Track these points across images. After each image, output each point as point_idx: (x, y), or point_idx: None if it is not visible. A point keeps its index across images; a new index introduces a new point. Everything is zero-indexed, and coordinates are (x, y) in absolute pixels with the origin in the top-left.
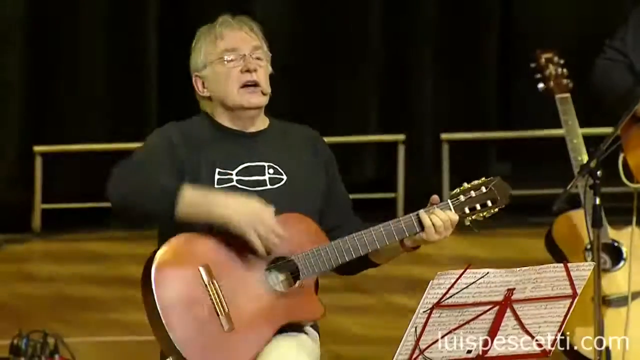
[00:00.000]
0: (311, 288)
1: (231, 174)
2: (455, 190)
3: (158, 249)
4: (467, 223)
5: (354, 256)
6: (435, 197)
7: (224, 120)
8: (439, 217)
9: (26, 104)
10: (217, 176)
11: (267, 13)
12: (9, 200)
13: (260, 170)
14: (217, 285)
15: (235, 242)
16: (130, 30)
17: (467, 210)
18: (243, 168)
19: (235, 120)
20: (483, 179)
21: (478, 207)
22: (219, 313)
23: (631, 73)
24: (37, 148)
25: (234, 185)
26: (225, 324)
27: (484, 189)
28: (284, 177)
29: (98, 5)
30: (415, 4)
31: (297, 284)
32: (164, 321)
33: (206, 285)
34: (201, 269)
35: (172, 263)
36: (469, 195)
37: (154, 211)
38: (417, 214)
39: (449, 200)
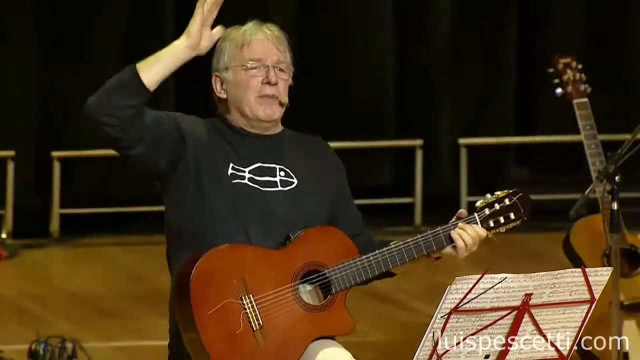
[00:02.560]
0: (342, 302)
1: (244, 171)
2: (480, 202)
3: (194, 257)
4: (490, 236)
5: (383, 270)
6: (463, 212)
7: (239, 122)
8: (470, 234)
9: (44, 109)
10: (230, 170)
11: (283, 16)
12: (27, 205)
13: (272, 172)
14: (252, 299)
15: (270, 256)
16: (148, 34)
17: (491, 224)
18: (256, 167)
19: (249, 125)
20: (506, 190)
21: (502, 220)
22: (254, 327)
23: None
24: (55, 153)
25: (246, 183)
26: (260, 339)
27: (507, 202)
28: (295, 180)
29: (116, 11)
30: (432, 7)
31: (328, 298)
32: (200, 334)
33: (242, 299)
34: (237, 282)
35: (210, 275)
36: (493, 209)
37: (117, 86)
38: (447, 232)
39: (475, 215)
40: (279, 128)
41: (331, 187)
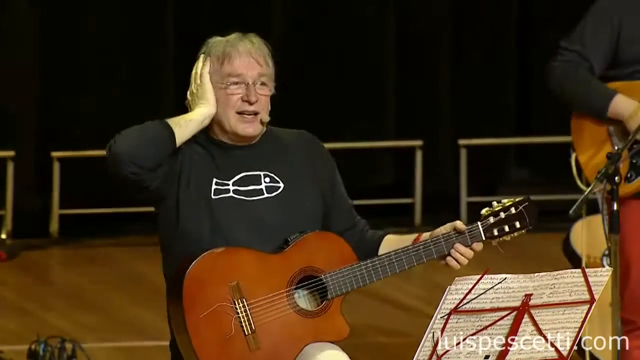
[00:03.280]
0: (338, 307)
1: (228, 185)
2: (485, 210)
3: (187, 260)
4: (494, 244)
5: (382, 277)
6: (461, 226)
7: (219, 136)
8: (467, 258)
9: (44, 110)
10: (214, 186)
11: (283, 17)
12: (27, 206)
13: (257, 180)
14: (245, 303)
15: (266, 260)
16: (148, 35)
17: (495, 232)
18: (239, 178)
19: (229, 139)
20: (513, 199)
21: (507, 228)
22: (246, 332)
23: (593, 75)
24: (55, 154)
25: (231, 196)
26: (252, 343)
27: (513, 210)
28: (281, 184)
29: (115, 11)
30: (432, 8)
31: (324, 304)
32: (191, 337)
33: (235, 303)
34: (231, 286)
35: (204, 278)
36: (498, 217)
37: (154, 139)
38: (450, 242)
39: (479, 224)
40: (261, 132)
41: (321, 182)
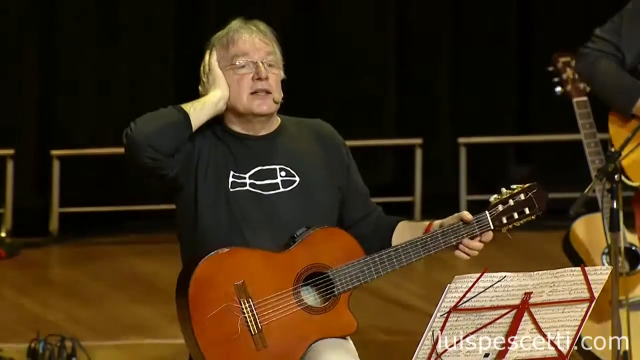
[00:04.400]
0: (345, 303)
1: (244, 178)
2: (494, 198)
3: (194, 260)
4: (504, 231)
5: (389, 270)
6: (468, 217)
7: (234, 125)
8: (475, 249)
9: (43, 108)
10: (231, 179)
11: (281, 16)
12: (27, 204)
13: (272, 174)
14: (251, 303)
15: (272, 258)
16: (148, 32)
17: (504, 220)
18: (255, 172)
19: (245, 124)
20: (522, 185)
21: (515, 215)
22: (252, 332)
23: (623, 69)
24: (55, 152)
25: (247, 190)
26: (259, 343)
27: (522, 197)
28: (297, 178)
29: (115, 11)
30: (432, 7)
31: (331, 299)
32: (197, 338)
33: (241, 303)
34: (237, 286)
35: (210, 279)
36: (507, 204)
37: (170, 123)
38: (459, 236)
39: (487, 213)
40: (275, 124)
41: (336, 172)
